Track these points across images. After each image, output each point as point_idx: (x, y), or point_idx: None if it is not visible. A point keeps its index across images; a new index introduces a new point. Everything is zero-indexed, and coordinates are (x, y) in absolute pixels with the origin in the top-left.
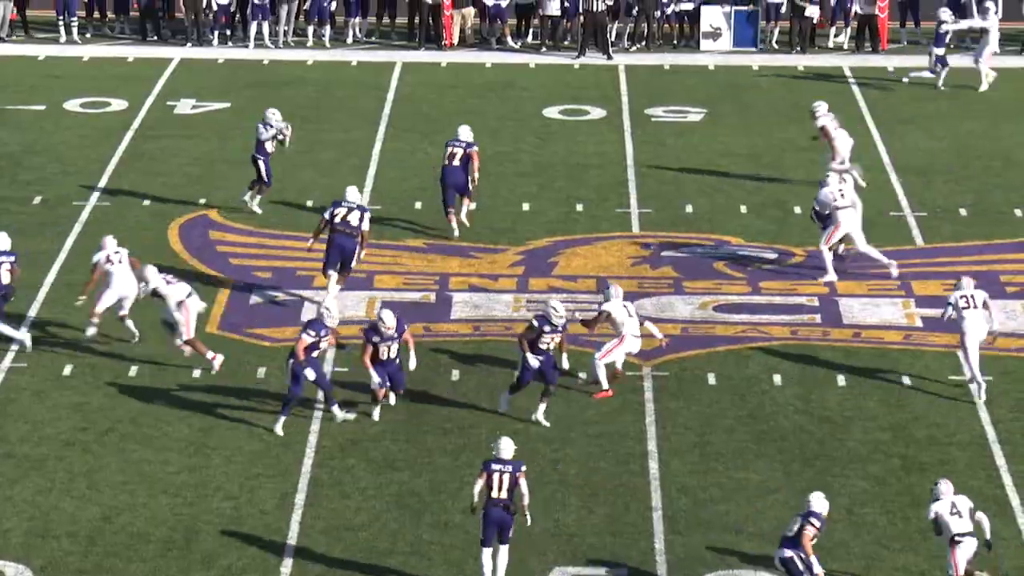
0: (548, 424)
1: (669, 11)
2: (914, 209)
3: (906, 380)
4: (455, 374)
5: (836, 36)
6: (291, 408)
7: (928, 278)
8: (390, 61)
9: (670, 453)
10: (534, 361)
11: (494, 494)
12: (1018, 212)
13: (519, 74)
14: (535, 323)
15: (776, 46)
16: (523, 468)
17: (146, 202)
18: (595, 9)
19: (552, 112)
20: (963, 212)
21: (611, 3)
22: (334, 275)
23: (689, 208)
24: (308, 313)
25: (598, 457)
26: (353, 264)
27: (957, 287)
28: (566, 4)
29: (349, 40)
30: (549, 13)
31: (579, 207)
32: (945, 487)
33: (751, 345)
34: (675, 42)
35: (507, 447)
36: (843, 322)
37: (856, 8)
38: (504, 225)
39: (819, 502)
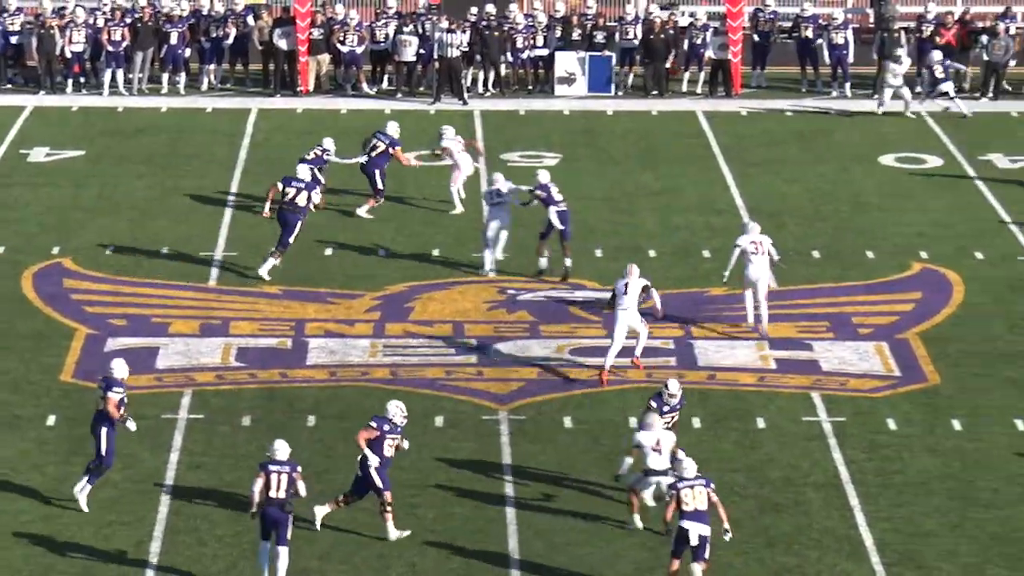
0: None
1: (524, 56)
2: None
3: (760, 422)
4: (311, 420)
5: (690, 81)
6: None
7: (781, 320)
8: (245, 108)
9: (527, 496)
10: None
11: (272, 493)
12: (870, 254)
13: (375, 120)
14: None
15: (631, 91)
16: (299, 469)
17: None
18: (449, 55)
19: (408, 157)
20: (816, 255)
21: (466, 49)
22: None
23: (545, 253)
24: (163, 359)
25: (455, 501)
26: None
27: (745, 230)
28: (421, 50)
29: (204, 87)
30: (404, 59)
31: (436, 252)
32: (654, 420)
33: (607, 388)
34: (530, 87)
35: (282, 448)
36: (698, 364)
37: (709, 53)
38: (361, 271)
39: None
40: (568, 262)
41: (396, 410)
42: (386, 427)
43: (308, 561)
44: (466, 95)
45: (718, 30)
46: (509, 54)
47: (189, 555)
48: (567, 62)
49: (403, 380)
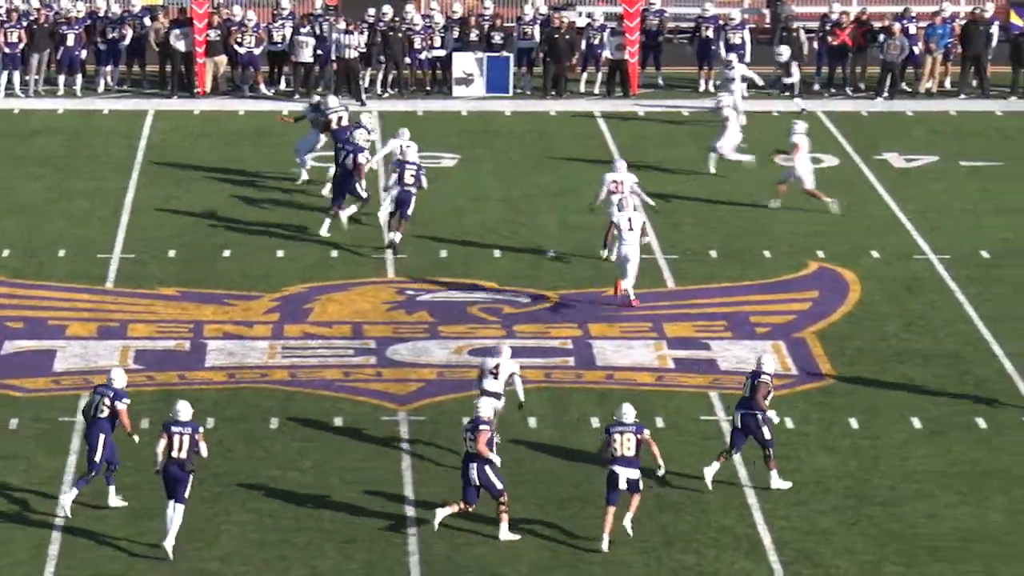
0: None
1: (422, 57)
2: (665, 252)
3: (659, 421)
4: (210, 422)
5: (587, 81)
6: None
7: (679, 320)
8: (142, 109)
9: (427, 497)
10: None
11: (174, 454)
12: (767, 253)
13: (272, 121)
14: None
15: (529, 92)
16: (200, 430)
17: None
18: (347, 56)
19: (307, 159)
20: (713, 254)
21: (364, 50)
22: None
23: (444, 253)
24: (61, 362)
25: (355, 502)
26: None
27: (612, 168)
28: (318, 51)
29: (100, 89)
30: (301, 60)
31: (334, 253)
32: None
33: (507, 388)
34: (428, 88)
35: (184, 410)
36: (596, 364)
37: (607, 54)
38: (259, 271)
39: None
40: (397, 237)
41: (487, 406)
42: (483, 426)
43: (208, 563)
44: (364, 96)
45: (615, 30)
46: (407, 55)
47: (87, 556)
48: (465, 63)
49: (302, 381)
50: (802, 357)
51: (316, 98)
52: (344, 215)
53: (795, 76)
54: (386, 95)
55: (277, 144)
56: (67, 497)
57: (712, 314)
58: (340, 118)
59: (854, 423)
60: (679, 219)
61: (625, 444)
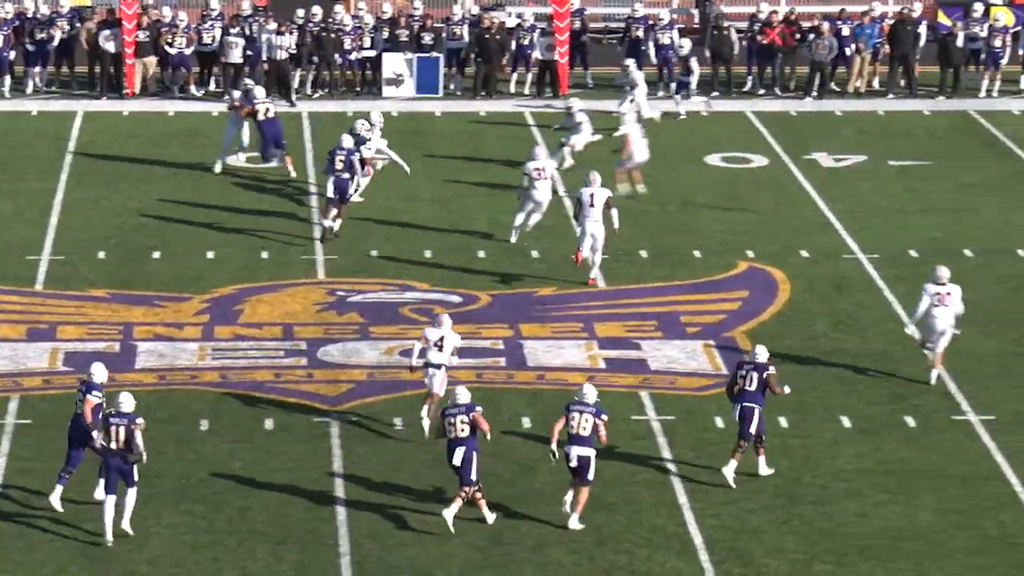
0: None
1: (352, 57)
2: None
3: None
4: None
5: (517, 82)
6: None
7: (610, 320)
8: (71, 110)
9: (358, 498)
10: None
11: (112, 445)
12: (697, 253)
13: (202, 122)
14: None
15: (459, 92)
16: (138, 421)
17: None
18: (279, 57)
19: (237, 160)
20: (643, 254)
21: (295, 51)
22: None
23: (374, 253)
24: None
25: (286, 504)
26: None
27: (532, 156)
28: (248, 52)
29: (29, 90)
30: (231, 61)
31: (264, 254)
32: (431, 332)
33: (427, 415)
34: (358, 89)
35: (127, 402)
36: (527, 364)
37: (536, 54)
38: (189, 273)
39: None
40: (336, 224)
41: (465, 393)
42: (478, 407)
43: (139, 565)
44: (294, 96)
45: (545, 31)
46: (337, 56)
47: (19, 560)
48: (395, 63)
49: (233, 383)
50: (733, 356)
51: (247, 83)
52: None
53: (694, 75)
54: (316, 96)
55: (207, 145)
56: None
57: (643, 314)
58: (267, 109)
59: (784, 422)
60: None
61: (582, 424)
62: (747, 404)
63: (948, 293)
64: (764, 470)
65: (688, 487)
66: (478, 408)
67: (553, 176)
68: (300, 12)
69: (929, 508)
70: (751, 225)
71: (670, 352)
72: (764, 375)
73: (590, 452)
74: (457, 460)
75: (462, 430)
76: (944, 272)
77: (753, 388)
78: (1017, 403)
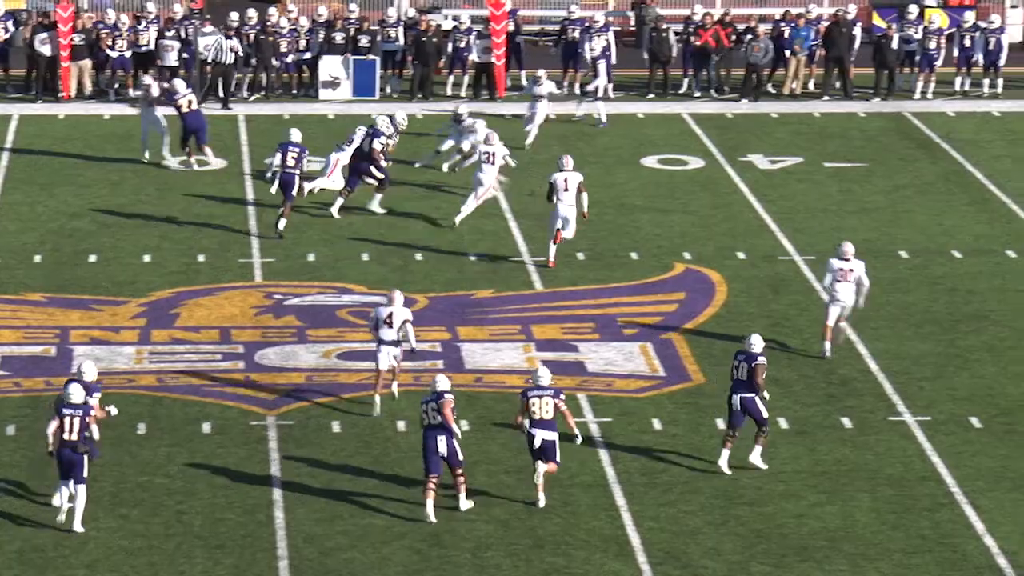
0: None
1: (288, 60)
2: (533, 255)
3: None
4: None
5: (454, 84)
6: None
7: (547, 322)
8: (6, 114)
9: (296, 502)
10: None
11: (65, 436)
12: (634, 255)
13: (138, 125)
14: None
15: (395, 95)
16: (92, 412)
17: None
18: (227, 61)
19: (173, 163)
20: (580, 257)
21: (242, 55)
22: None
23: (312, 257)
24: None
25: (224, 508)
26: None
27: (487, 141)
28: (184, 55)
29: None
30: (167, 64)
31: (201, 258)
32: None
33: (375, 392)
34: (294, 92)
35: (76, 393)
36: (465, 367)
37: (473, 57)
38: (126, 277)
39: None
40: (281, 224)
41: (444, 380)
42: (448, 395)
43: (76, 570)
44: (229, 99)
45: (481, 33)
46: (273, 59)
47: None
48: (331, 66)
49: (170, 387)
50: (669, 359)
51: (162, 85)
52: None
53: (600, 79)
54: (252, 99)
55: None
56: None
57: (580, 316)
58: (190, 101)
59: (721, 423)
60: (546, 222)
61: (544, 408)
62: (745, 395)
63: (851, 269)
64: (757, 460)
65: (626, 489)
66: (447, 396)
67: (505, 159)
68: (234, 15)
69: (865, 509)
70: (687, 227)
71: (607, 354)
72: (753, 365)
73: (554, 435)
74: (443, 450)
75: (435, 418)
76: (849, 248)
77: (744, 378)
78: (952, 404)
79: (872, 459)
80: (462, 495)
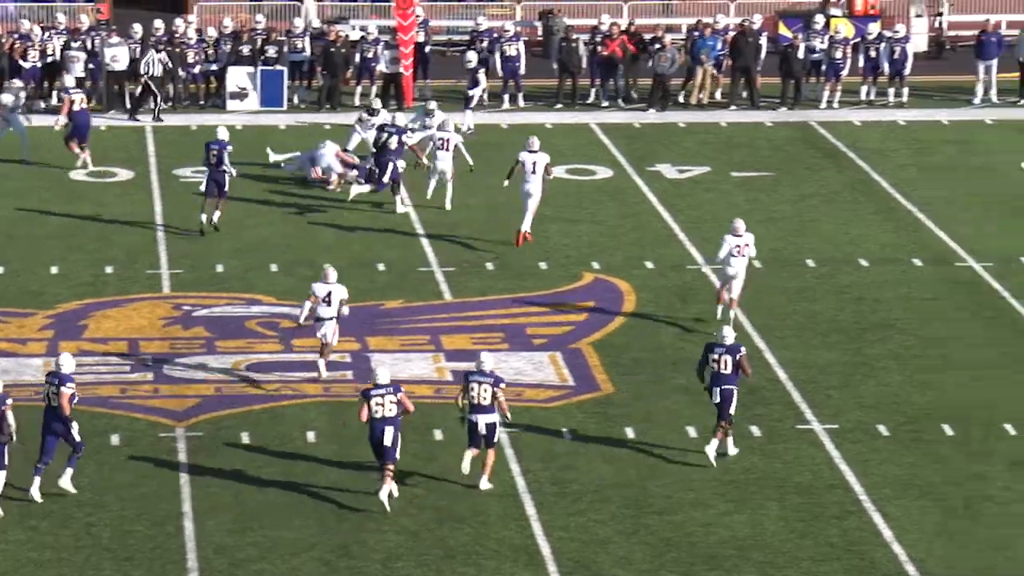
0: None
1: (196, 71)
2: (442, 264)
3: (438, 434)
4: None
5: (362, 94)
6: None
7: (457, 332)
8: None
9: (206, 514)
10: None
11: None
12: (543, 265)
13: (43, 136)
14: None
15: (303, 105)
16: (8, 402)
17: None
18: (155, 73)
19: (78, 175)
20: (489, 267)
21: (170, 66)
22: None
23: (220, 268)
24: None
25: (133, 520)
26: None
27: (443, 127)
28: (91, 65)
29: None
30: (75, 74)
31: (109, 269)
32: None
33: (285, 403)
34: (202, 102)
35: None
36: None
37: (381, 67)
38: (33, 288)
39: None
40: (216, 216)
41: (385, 373)
42: (401, 390)
43: None
44: (137, 111)
45: (389, 44)
46: (180, 70)
47: None
48: (238, 77)
49: (78, 398)
50: (579, 368)
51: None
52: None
53: (479, 88)
54: (159, 109)
55: (49, 159)
56: (65, 480)
57: (489, 326)
58: (81, 99)
59: (631, 432)
60: (456, 231)
61: (482, 394)
62: (726, 387)
63: (746, 244)
64: (712, 453)
65: (536, 499)
66: (403, 389)
67: (458, 146)
68: (137, 27)
69: (774, 517)
70: (596, 237)
71: (517, 364)
72: (737, 357)
73: (495, 419)
74: (388, 440)
75: (390, 410)
76: (741, 224)
77: (729, 371)
78: (859, 412)
79: (781, 467)
80: (389, 483)
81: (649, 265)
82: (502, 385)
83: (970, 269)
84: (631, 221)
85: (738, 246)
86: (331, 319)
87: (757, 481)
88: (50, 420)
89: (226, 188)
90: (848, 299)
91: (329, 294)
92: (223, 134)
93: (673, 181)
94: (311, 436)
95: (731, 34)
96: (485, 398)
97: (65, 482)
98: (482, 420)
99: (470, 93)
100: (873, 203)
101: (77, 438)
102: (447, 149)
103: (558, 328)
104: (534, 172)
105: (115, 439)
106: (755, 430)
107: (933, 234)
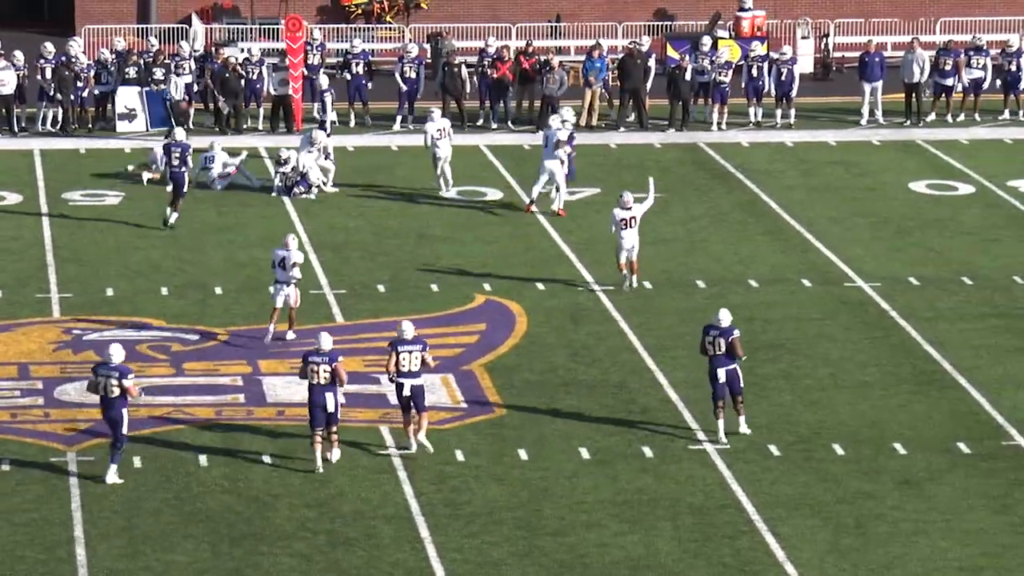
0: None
1: (84, 93)
2: (333, 287)
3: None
4: None
5: (251, 116)
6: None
7: (349, 355)
8: None
9: (97, 538)
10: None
11: None
12: (434, 287)
13: None
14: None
15: (192, 126)
16: None
17: None
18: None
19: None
20: (381, 288)
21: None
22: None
23: (110, 291)
24: None
25: (24, 545)
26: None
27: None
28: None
29: None
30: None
31: None
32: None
33: (177, 427)
34: (90, 126)
35: None
36: (267, 401)
37: (270, 89)
38: None
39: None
40: (172, 218)
41: (327, 339)
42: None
43: None
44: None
45: (278, 66)
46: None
47: None
48: (127, 98)
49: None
50: (471, 390)
51: None
52: None
53: (329, 114)
54: (47, 131)
55: None
56: (111, 475)
57: (381, 348)
58: None
59: (524, 454)
60: (347, 254)
61: (412, 361)
62: (728, 367)
63: (632, 216)
64: (744, 428)
65: (430, 521)
66: (340, 359)
67: (450, 134)
68: (19, 54)
69: (667, 537)
70: (487, 258)
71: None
72: (730, 339)
73: (421, 382)
74: (331, 406)
75: (325, 378)
76: (629, 197)
77: (722, 352)
78: (751, 431)
79: (673, 487)
80: (336, 449)
81: (540, 286)
82: (427, 349)
83: (858, 289)
84: (522, 242)
85: (624, 219)
86: (288, 282)
87: (650, 502)
88: (107, 410)
89: (184, 188)
90: (739, 319)
91: (283, 260)
92: (183, 135)
93: (565, 202)
94: (203, 459)
95: (615, 56)
96: (415, 364)
97: (113, 476)
98: (408, 383)
99: (323, 118)
100: (762, 224)
101: (125, 431)
102: (444, 137)
103: (450, 350)
104: (557, 148)
105: (5, 465)
106: (647, 450)
107: (821, 254)
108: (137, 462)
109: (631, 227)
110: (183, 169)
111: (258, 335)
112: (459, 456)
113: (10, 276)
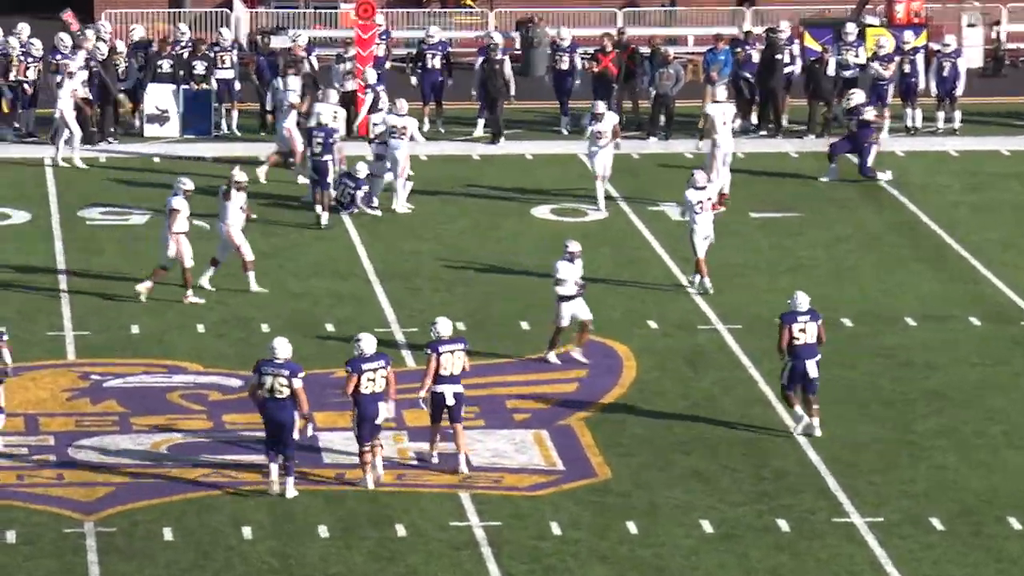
0: None
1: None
2: (403, 324)
3: (400, 529)
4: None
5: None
6: None
7: (418, 407)
8: None
9: None
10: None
11: None
12: (524, 325)
13: None
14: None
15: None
16: (5, 338)
17: None
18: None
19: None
20: (461, 327)
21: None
22: None
23: (135, 328)
24: None
25: None
26: None
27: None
28: None
29: None
30: None
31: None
32: None
33: (215, 492)
34: (112, 128)
35: None
36: (324, 461)
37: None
38: None
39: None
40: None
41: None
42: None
43: None
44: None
45: (342, 57)
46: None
47: None
48: (159, 97)
49: None
50: (569, 448)
51: None
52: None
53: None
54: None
55: None
56: (291, 488)
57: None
58: None
59: (633, 527)
60: (418, 283)
61: (455, 363)
62: (817, 360)
63: (709, 198)
64: (819, 431)
65: None
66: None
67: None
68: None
69: None
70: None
71: (495, 444)
72: (819, 323)
73: (462, 388)
74: (380, 417)
75: (380, 385)
76: (702, 175)
77: (814, 340)
78: (907, 501)
79: (814, 568)
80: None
81: (652, 324)
82: (467, 347)
83: None
84: (629, 270)
85: (701, 201)
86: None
87: None
88: (273, 413)
89: (328, 179)
90: (892, 365)
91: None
92: (327, 116)
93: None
94: (247, 532)
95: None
96: (457, 367)
97: (292, 490)
98: (450, 390)
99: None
100: (920, 249)
101: (297, 436)
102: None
103: (544, 401)
104: (602, 138)
105: (11, 536)
106: (782, 523)
107: (992, 285)
108: (168, 534)
109: (706, 210)
110: (326, 158)
111: (316, 381)
112: (555, 529)
113: (16, 310)
